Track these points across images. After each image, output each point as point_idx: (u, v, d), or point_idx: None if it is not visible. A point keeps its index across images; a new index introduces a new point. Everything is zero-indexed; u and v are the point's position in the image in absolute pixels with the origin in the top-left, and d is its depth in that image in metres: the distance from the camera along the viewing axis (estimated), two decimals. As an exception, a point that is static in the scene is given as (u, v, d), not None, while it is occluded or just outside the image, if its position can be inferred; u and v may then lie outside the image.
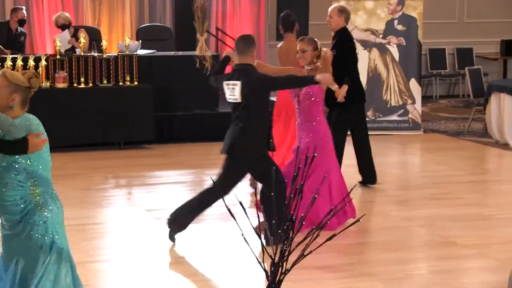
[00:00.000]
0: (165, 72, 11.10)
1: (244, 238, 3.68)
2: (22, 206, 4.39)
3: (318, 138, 7.30)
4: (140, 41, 12.07)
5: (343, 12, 8.60)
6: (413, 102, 12.49)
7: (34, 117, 4.43)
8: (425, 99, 15.01)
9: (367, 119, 12.26)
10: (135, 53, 11.13)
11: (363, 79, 12.39)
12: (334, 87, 7.17)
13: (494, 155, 11.15)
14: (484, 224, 7.60)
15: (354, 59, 8.56)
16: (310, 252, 3.60)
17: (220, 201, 7.46)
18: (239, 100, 6.71)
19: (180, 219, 6.87)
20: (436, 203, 8.22)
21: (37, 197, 4.41)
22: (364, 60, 12.38)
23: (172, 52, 12.10)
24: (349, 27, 12.30)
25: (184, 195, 8.72)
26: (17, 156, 4.32)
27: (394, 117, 12.46)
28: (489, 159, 11.11)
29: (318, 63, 7.38)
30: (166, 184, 9.16)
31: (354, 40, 8.83)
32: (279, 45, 8.91)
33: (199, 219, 7.93)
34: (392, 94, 12.47)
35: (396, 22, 12.44)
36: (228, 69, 7.18)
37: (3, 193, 4.38)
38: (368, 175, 8.89)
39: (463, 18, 16.16)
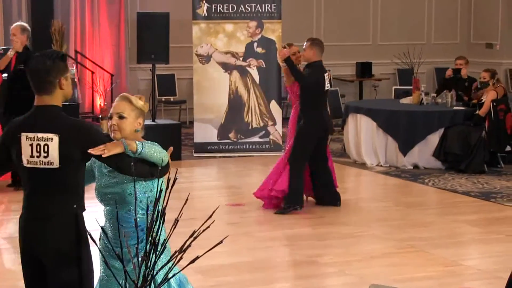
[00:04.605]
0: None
1: (105, 262, 3.62)
2: None
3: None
4: (-4, 64, 11.73)
5: (25, 31, 9.59)
6: (274, 124, 12.67)
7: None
8: (286, 120, 15.12)
9: (229, 140, 12.44)
10: (-10, 76, 10.80)
11: (225, 101, 12.50)
12: None
13: (353, 174, 11.42)
14: (344, 242, 7.76)
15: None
16: (174, 275, 3.58)
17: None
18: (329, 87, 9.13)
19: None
20: (298, 222, 8.34)
21: None
22: (225, 83, 12.47)
23: (30, 76, 11.81)
24: (210, 50, 12.47)
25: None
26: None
27: (256, 139, 12.59)
28: (348, 178, 11.37)
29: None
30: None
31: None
32: None
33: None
34: (253, 116, 12.60)
35: (255, 44, 12.61)
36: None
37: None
38: None
39: (320, 41, 16.53)
